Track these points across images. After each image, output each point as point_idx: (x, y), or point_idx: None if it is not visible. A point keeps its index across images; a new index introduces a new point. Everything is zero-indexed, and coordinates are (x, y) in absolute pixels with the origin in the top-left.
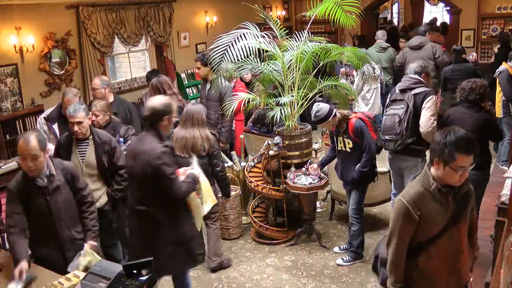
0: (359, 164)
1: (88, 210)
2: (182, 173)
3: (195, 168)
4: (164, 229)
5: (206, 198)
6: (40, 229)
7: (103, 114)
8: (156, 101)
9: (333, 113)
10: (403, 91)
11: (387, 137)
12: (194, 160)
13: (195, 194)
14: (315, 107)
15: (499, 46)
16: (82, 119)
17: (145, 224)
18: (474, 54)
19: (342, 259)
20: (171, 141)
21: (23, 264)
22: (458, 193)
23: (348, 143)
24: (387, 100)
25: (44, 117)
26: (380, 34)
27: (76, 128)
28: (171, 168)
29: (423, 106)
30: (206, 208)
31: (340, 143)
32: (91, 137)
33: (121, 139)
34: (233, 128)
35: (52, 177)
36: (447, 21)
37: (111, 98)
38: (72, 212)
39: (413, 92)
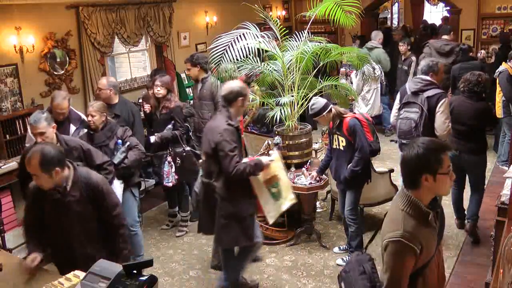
0: (351, 163)
1: (117, 233)
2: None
3: (274, 160)
4: (222, 201)
5: (285, 194)
6: (53, 239)
7: (99, 115)
8: (235, 83)
9: (329, 108)
10: (415, 93)
11: (403, 141)
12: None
13: (261, 183)
14: (312, 100)
15: (499, 46)
16: (44, 129)
17: (209, 196)
18: (483, 51)
19: (342, 259)
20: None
21: (34, 255)
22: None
23: (342, 141)
24: (397, 102)
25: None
26: (373, 34)
27: (39, 139)
28: (231, 145)
29: (437, 110)
30: (284, 206)
31: (335, 141)
32: (58, 144)
33: (120, 141)
34: None
35: (65, 191)
36: (447, 21)
37: (115, 100)
38: (89, 229)
39: (426, 94)
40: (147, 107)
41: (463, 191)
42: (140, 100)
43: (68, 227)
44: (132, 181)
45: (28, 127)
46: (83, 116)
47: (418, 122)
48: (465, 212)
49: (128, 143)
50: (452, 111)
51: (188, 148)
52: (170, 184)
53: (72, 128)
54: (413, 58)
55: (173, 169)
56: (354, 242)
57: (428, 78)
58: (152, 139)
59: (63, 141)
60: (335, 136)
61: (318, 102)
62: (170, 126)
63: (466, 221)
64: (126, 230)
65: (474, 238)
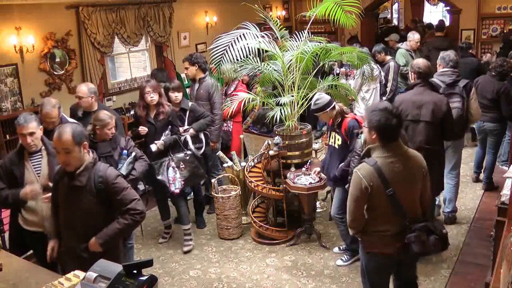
0: (343, 163)
1: (126, 215)
2: None
3: None
4: (444, 162)
5: None
6: (61, 225)
7: (113, 127)
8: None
9: (332, 104)
10: (451, 85)
11: None
12: None
13: None
14: (316, 95)
15: (501, 45)
16: (34, 130)
17: (431, 160)
18: (489, 55)
19: (341, 259)
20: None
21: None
22: None
23: (338, 140)
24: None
25: None
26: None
27: (29, 140)
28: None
29: (470, 97)
30: None
31: (332, 138)
32: (43, 147)
33: (125, 151)
34: (230, 130)
35: (74, 173)
36: (446, 21)
37: (95, 106)
38: (88, 224)
39: (461, 84)
40: (142, 131)
41: (485, 151)
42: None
43: (70, 218)
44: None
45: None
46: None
47: (462, 109)
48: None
49: (134, 153)
50: (478, 88)
51: (189, 152)
52: (178, 190)
53: None
54: (392, 63)
55: (178, 174)
56: (348, 239)
57: (457, 70)
58: (154, 147)
59: (49, 145)
60: (333, 134)
61: (323, 97)
62: (167, 132)
63: (482, 177)
64: (133, 218)
65: (490, 186)
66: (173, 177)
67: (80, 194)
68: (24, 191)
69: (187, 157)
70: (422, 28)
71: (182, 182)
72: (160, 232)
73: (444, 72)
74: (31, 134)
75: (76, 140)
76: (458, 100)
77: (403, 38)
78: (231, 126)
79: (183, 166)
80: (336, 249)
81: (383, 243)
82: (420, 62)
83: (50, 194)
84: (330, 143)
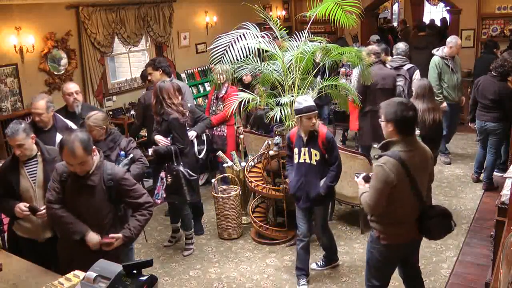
0: (325, 179)
1: (140, 210)
2: None
3: None
4: None
5: None
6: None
7: (97, 130)
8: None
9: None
10: (397, 68)
11: None
12: None
13: None
14: (302, 96)
15: (507, 45)
16: (22, 141)
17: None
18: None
19: (317, 263)
20: None
21: (93, 236)
22: None
23: (315, 155)
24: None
25: None
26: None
27: (18, 151)
28: None
29: (413, 78)
30: None
31: (304, 155)
32: (39, 153)
33: (122, 153)
34: (224, 134)
35: (87, 173)
36: (405, 23)
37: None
38: (99, 220)
39: (405, 68)
40: (163, 142)
41: (486, 151)
42: (139, 101)
43: (82, 218)
44: None
45: None
46: (70, 124)
47: (404, 88)
48: (483, 170)
49: (131, 155)
50: (479, 88)
51: (179, 168)
52: (158, 202)
53: (59, 137)
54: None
55: (164, 186)
56: (329, 251)
57: (405, 57)
58: (150, 151)
59: (45, 151)
60: (305, 150)
61: (310, 98)
62: (169, 139)
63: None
64: (149, 212)
65: (490, 186)
66: (158, 187)
67: (92, 192)
68: (16, 209)
69: (174, 172)
70: (413, 28)
71: (164, 195)
72: (159, 232)
73: (393, 59)
74: (20, 146)
75: (88, 151)
76: (401, 80)
77: (382, 40)
78: (225, 131)
79: (170, 179)
80: (314, 265)
81: (405, 232)
82: (376, 47)
83: (44, 211)
84: (301, 161)
